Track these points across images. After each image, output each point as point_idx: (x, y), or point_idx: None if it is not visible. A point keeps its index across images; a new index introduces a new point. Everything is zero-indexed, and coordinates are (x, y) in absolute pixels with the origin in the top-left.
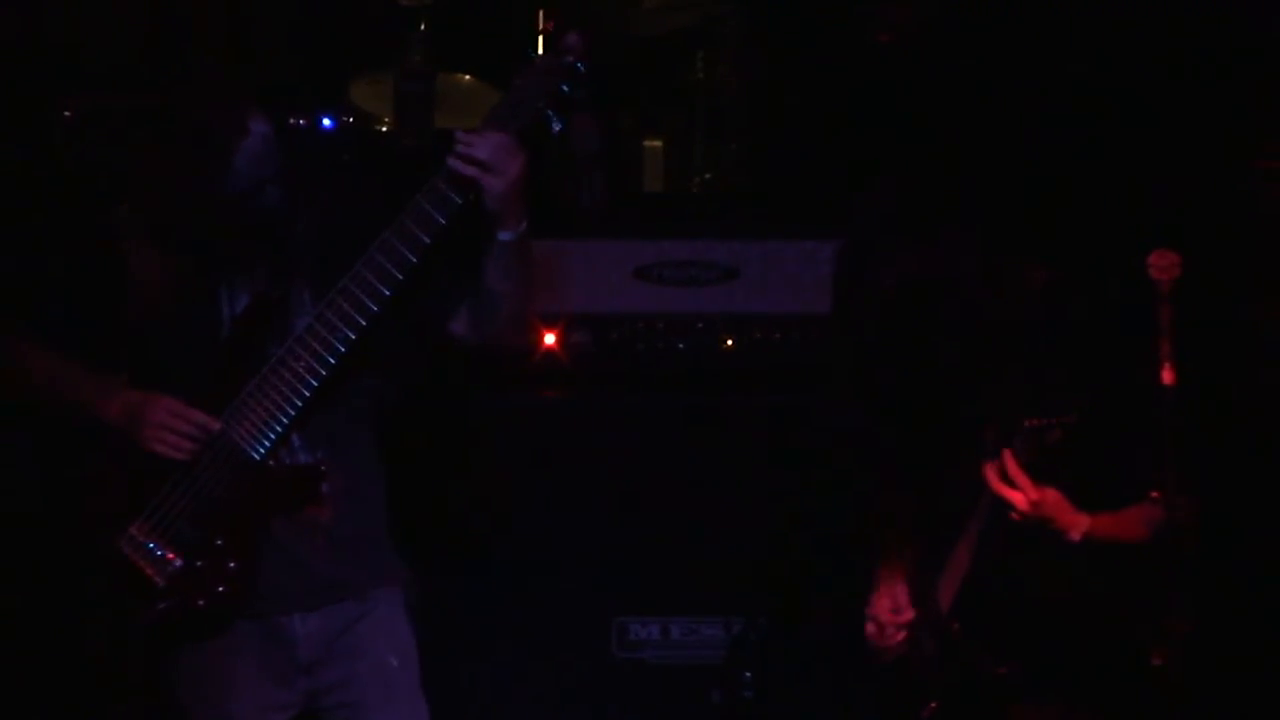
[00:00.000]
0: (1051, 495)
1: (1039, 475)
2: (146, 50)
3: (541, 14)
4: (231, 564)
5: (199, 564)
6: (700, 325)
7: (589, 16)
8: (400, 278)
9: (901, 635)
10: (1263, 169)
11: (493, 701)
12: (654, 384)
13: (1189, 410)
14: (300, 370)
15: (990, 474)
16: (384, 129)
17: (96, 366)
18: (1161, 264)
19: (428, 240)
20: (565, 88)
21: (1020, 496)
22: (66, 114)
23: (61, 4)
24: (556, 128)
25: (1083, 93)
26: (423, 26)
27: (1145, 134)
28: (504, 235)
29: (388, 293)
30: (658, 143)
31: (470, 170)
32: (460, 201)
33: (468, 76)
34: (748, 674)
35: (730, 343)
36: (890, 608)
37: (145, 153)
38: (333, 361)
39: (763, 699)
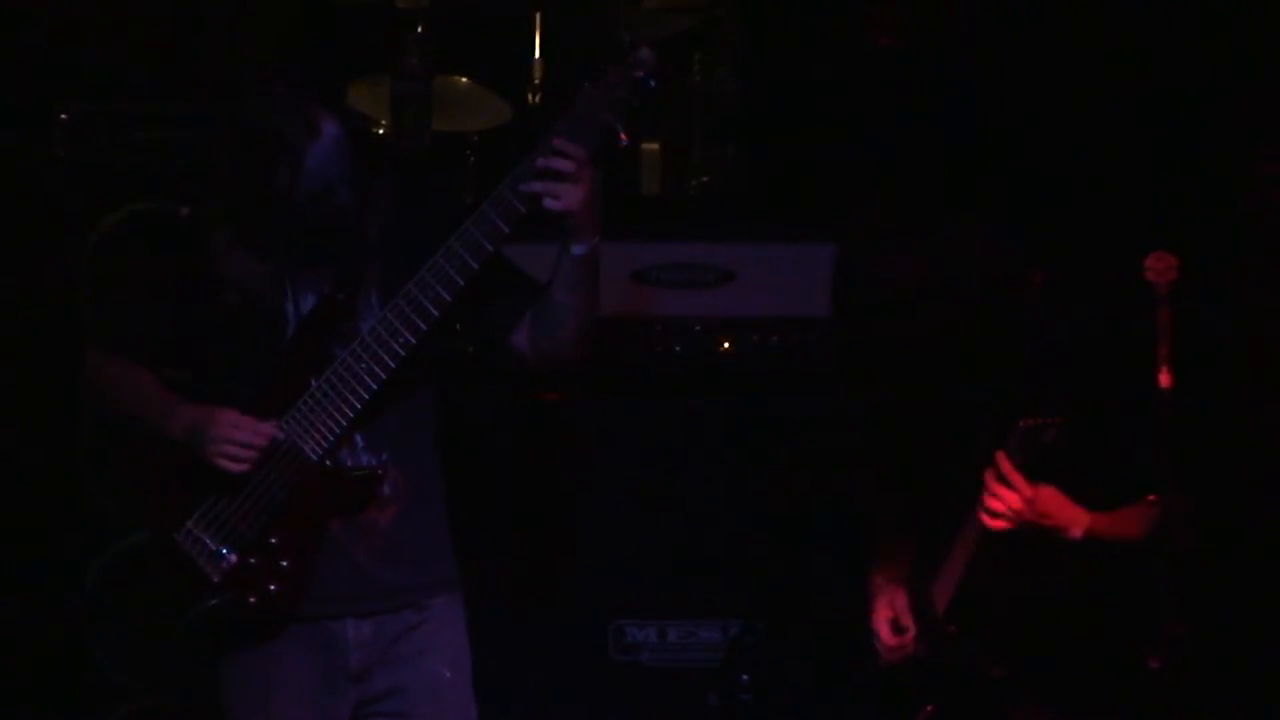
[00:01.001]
0: (1047, 492)
1: (1035, 475)
2: (169, 54)
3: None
4: (286, 563)
5: (253, 561)
6: (697, 328)
7: (590, 18)
8: (462, 284)
9: (905, 649)
10: (1260, 172)
11: (491, 703)
12: (651, 387)
13: (1185, 413)
14: (363, 372)
15: (988, 475)
16: (381, 132)
17: (167, 380)
18: (1159, 266)
19: (491, 249)
20: (635, 103)
21: (1015, 496)
22: (133, 116)
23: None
24: (623, 142)
25: (1081, 94)
26: (419, 29)
27: (1143, 136)
28: (577, 249)
29: (449, 299)
30: (654, 145)
31: (543, 184)
32: (525, 211)
33: (465, 79)
34: (745, 677)
35: (727, 345)
36: (890, 622)
37: (221, 154)
38: (394, 365)
39: (760, 702)
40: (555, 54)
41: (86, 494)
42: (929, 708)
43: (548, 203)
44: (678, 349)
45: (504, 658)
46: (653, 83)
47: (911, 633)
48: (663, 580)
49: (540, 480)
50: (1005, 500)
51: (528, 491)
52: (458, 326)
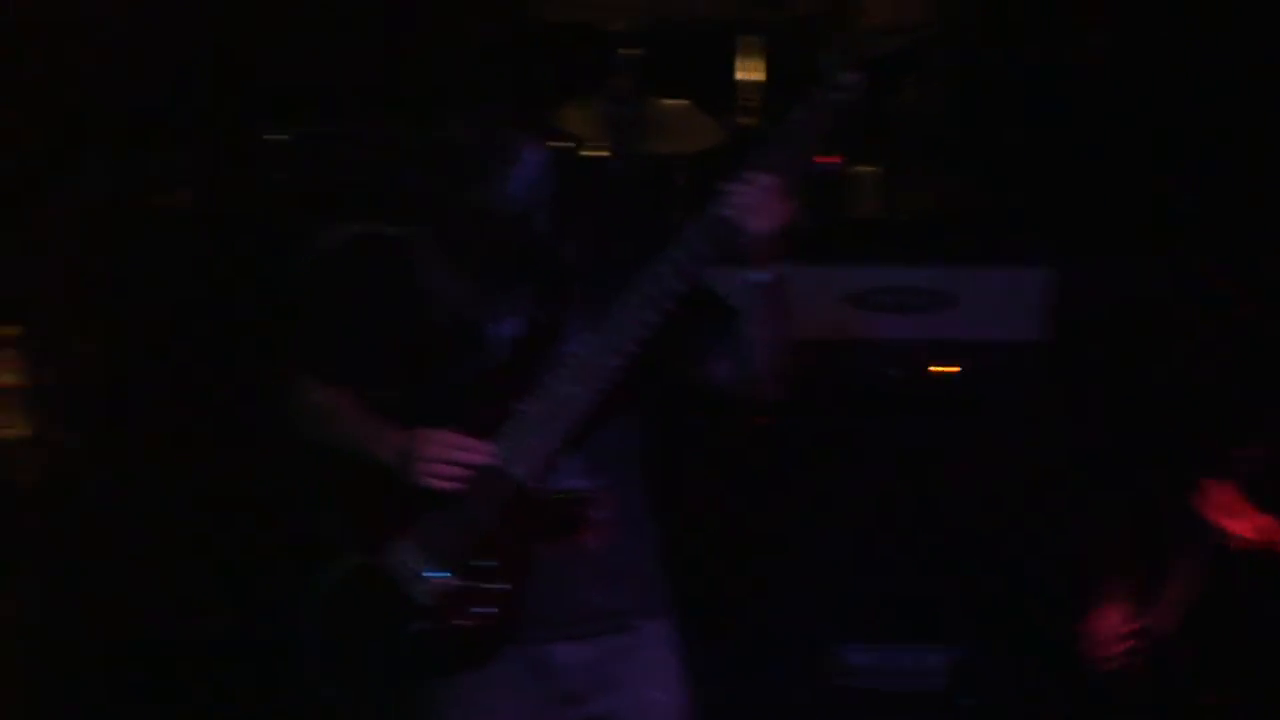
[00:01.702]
0: (1268, 522)
1: (1255, 502)
2: (379, 76)
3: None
4: (498, 587)
5: (462, 585)
6: (911, 352)
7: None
8: (668, 308)
9: (1121, 650)
10: None
11: None
12: (863, 411)
13: None
14: (571, 396)
15: (1210, 503)
16: (592, 154)
17: (372, 405)
18: None
19: (695, 273)
20: (838, 126)
21: (1244, 525)
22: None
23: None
24: (826, 165)
25: None
26: (632, 51)
27: None
28: (756, 277)
29: (655, 322)
30: (870, 169)
31: (740, 209)
32: (728, 236)
33: (678, 101)
34: (969, 702)
35: (941, 369)
36: (1114, 622)
37: (426, 176)
38: (601, 388)
39: None
40: (777, 77)
41: (296, 515)
42: None
43: (741, 227)
44: (891, 372)
45: (726, 681)
46: (856, 106)
47: (1133, 645)
48: (885, 604)
49: (755, 504)
50: (1232, 529)
51: (743, 515)
52: (661, 351)
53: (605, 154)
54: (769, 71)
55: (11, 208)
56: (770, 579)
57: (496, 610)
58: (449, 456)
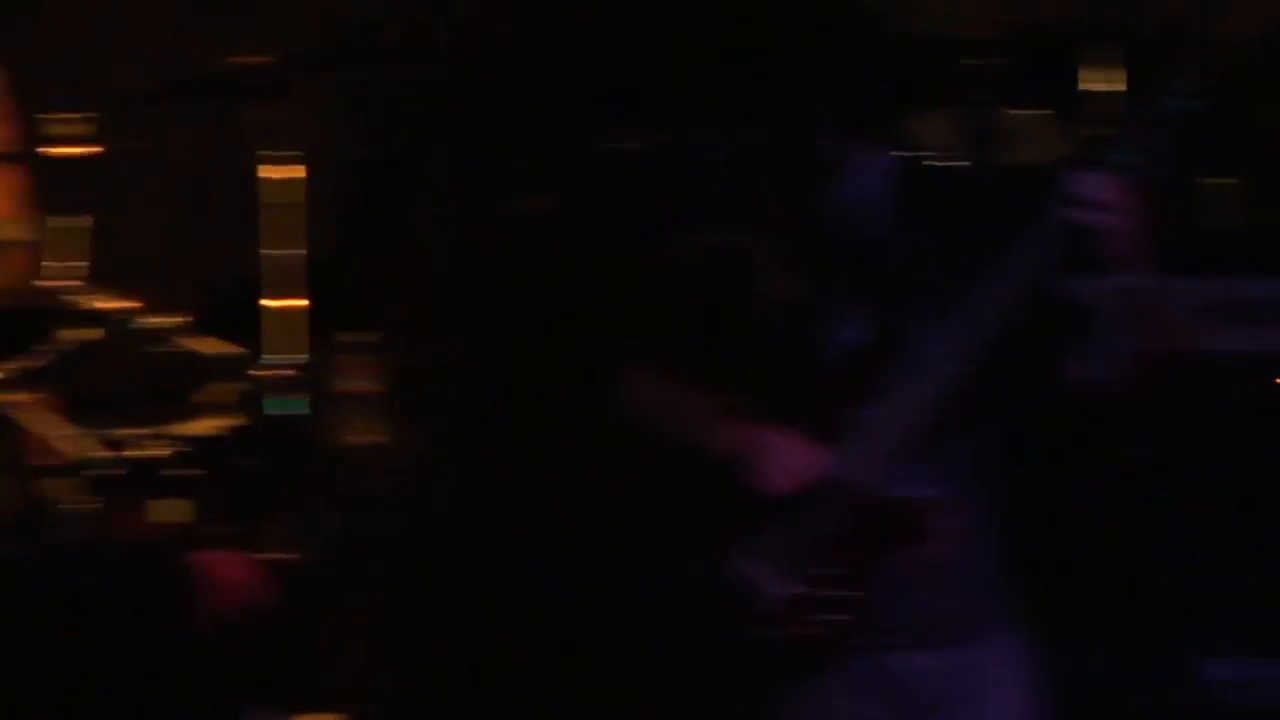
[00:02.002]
0: None
1: None
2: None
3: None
4: (843, 595)
5: (809, 593)
6: (1261, 365)
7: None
8: (1016, 314)
9: None
10: None
11: None
12: (1212, 424)
13: None
14: (913, 404)
15: None
16: (948, 163)
17: (709, 399)
18: None
19: (1043, 279)
20: (1179, 134)
21: None
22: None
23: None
24: (1171, 173)
25: None
26: (985, 60)
27: None
28: (1122, 281)
29: (1003, 329)
30: (1224, 180)
31: (1084, 213)
32: (1078, 240)
33: (1035, 110)
34: None
35: None
36: None
37: (773, 182)
38: (946, 396)
39: None
40: (1131, 85)
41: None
42: None
43: (1091, 231)
44: (1240, 385)
45: (1076, 697)
46: (1209, 115)
47: None
48: (1249, 617)
49: (1111, 514)
50: None
51: (1094, 526)
52: (1012, 358)
53: (959, 163)
54: (1123, 80)
55: (372, 216)
56: (1130, 591)
57: (842, 618)
58: (790, 462)
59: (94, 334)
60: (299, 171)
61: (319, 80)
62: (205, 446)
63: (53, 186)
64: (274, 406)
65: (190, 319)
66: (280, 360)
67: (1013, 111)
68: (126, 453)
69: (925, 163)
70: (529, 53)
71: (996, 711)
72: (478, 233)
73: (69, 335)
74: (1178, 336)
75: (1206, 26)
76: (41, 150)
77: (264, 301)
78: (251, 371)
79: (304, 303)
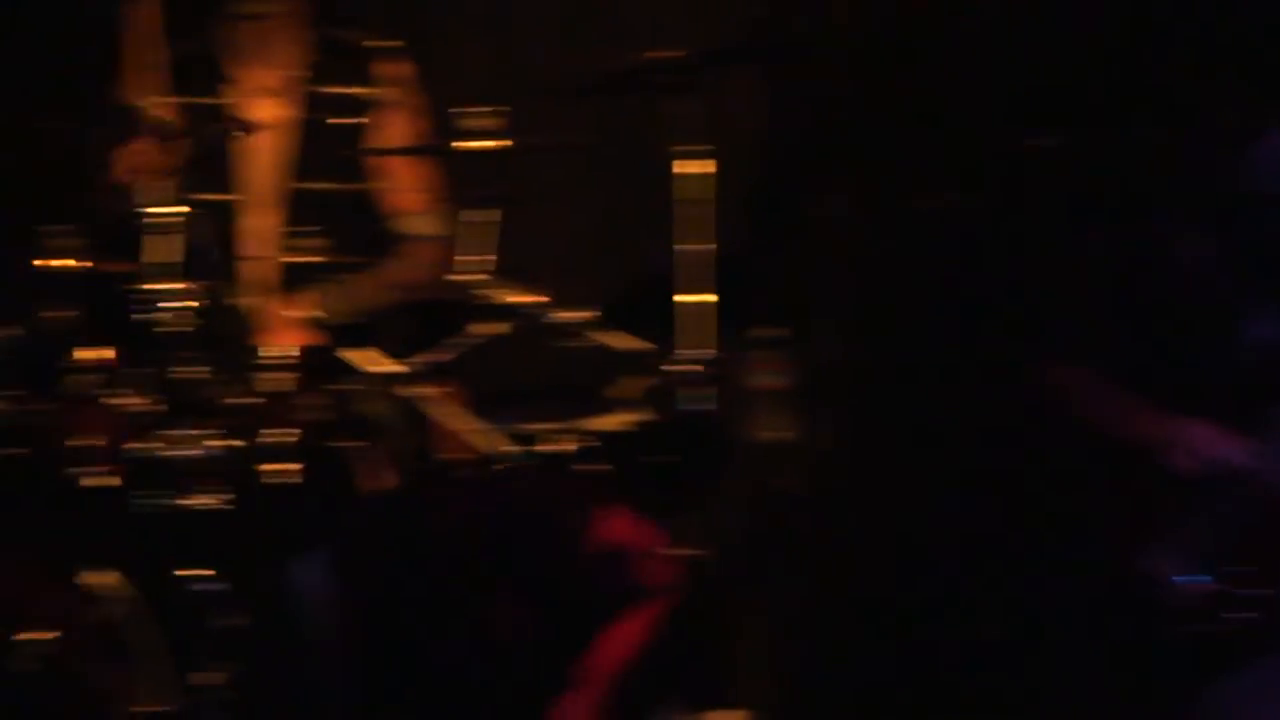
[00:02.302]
0: None
1: None
2: None
3: None
4: (1258, 593)
5: (1223, 590)
6: None
7: None
8: None
9: None
10: None
11: None
12: None
13: None
14: None
15: None
16: None
17: (1127, 391)
18: None
19: None
20: None
21: None
22: None
23: None
24: None
25: None
26: None
27: None
28: None
29: None
30: None
31: None
32: None
33: None
34: None
35: None
36: None
37: (1187, 173)
38: None
39: None
40: None
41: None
42: None
43: None
44: None
45: None
46: None
47: None
48: None
49: None
50: None
51: None
52: None
53: None
54: None
55: (787, 214)
56: None
57: (1256, 616)
58: (1206, 451)
59: (503, 328)
60: (710, 167)
61: (731, 75)
62: (615, 442)
63: (463, 180)
64: (685, 401)
65: (599, 313)
66: (691, 355)
67: None
68: (535, 447)
69: None
70: (940, 47)
71: None
72: (890, 230)
73: (478, 329)
74: None
75: None
76: (454, 145)
77: (677, 297)
78: (663, 367)
79: (714, 298)
